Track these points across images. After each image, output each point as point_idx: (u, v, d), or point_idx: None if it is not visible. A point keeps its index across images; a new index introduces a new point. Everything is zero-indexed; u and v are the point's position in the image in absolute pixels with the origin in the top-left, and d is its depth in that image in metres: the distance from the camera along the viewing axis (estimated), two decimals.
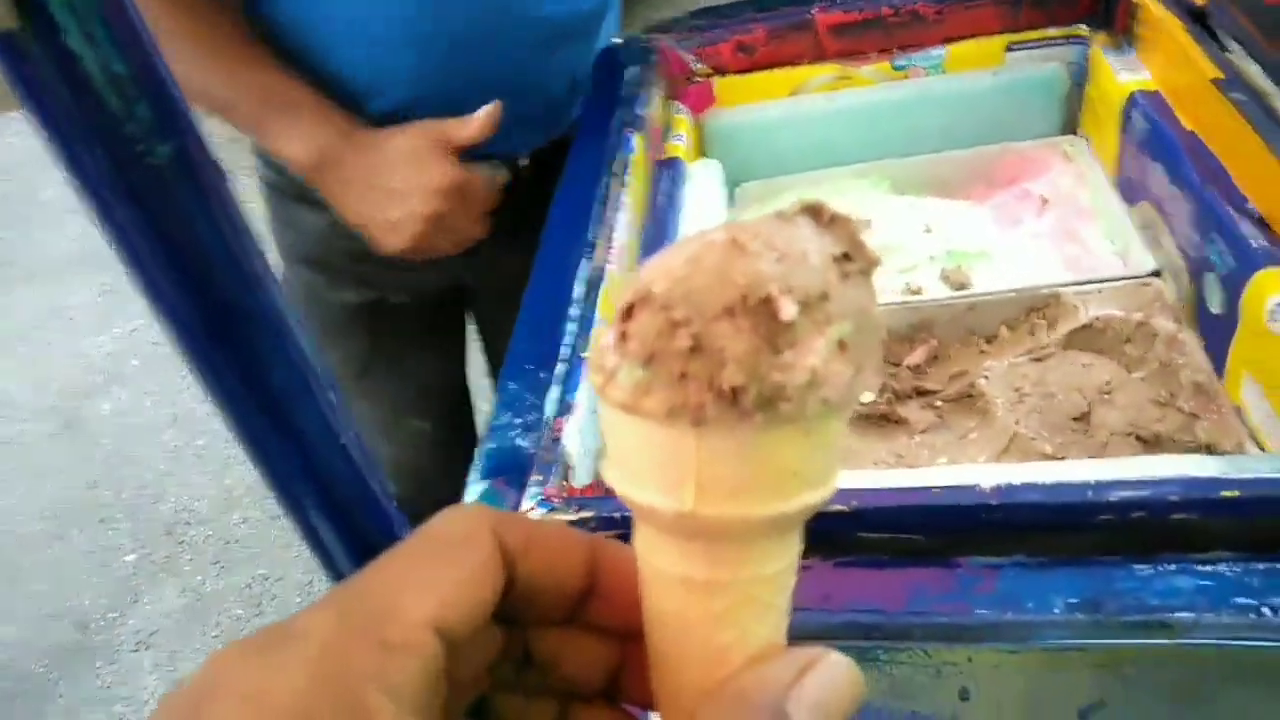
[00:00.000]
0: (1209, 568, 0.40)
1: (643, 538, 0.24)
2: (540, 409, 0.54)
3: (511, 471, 0.50)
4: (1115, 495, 0.42)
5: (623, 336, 0.22)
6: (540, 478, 0.48)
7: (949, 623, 0.40)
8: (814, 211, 0.22)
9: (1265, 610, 0.39)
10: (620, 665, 0.26)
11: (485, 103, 0.83)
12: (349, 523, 0.34)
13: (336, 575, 0.36)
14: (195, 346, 0.28)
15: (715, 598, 0.23)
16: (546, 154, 0.92)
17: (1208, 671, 0.38)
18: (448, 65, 0.82)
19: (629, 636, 0.26)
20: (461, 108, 0.82)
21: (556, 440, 0.50)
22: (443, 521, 0.24)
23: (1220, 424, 0.58)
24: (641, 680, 0.26)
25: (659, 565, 0.24)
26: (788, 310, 0.20)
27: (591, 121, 0.83)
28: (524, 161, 0.91)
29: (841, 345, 0.21)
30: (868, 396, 0.69)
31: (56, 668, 1.68)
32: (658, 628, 0.24)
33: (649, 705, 0.26)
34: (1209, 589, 0.40)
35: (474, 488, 0.50)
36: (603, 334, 0.23)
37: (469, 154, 0.87)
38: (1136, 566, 0.41)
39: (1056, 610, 0.40)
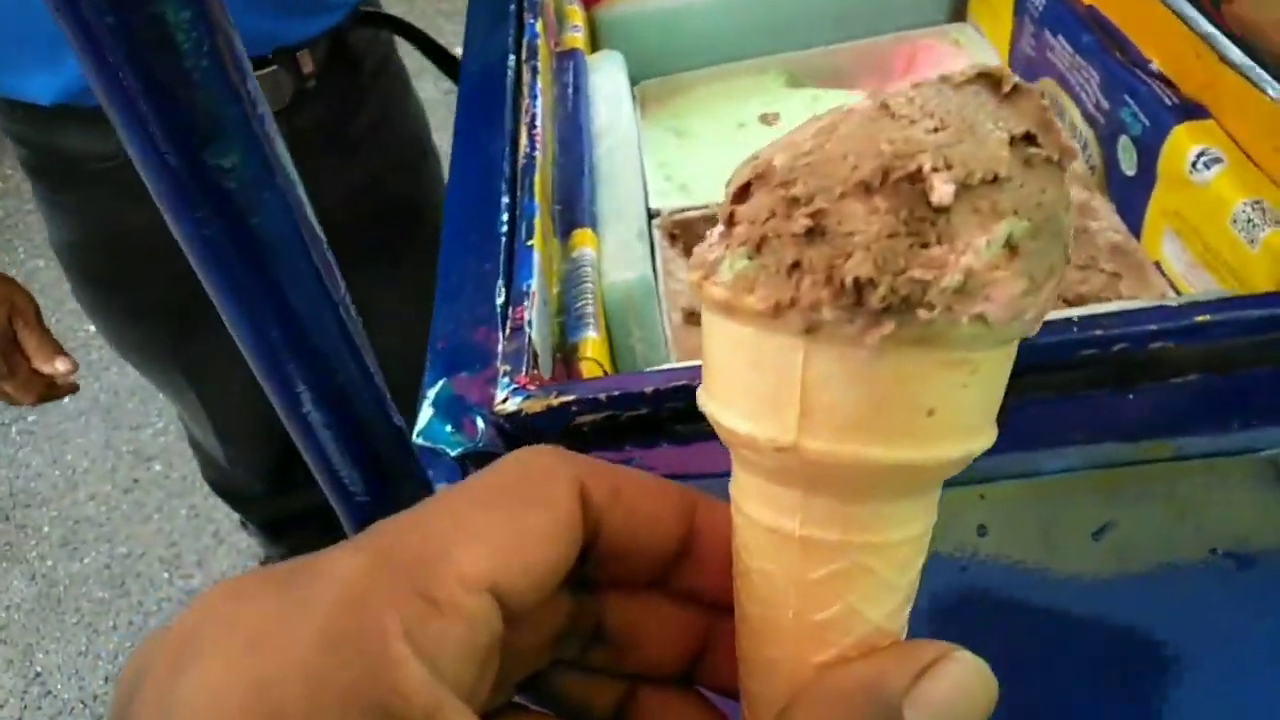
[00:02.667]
0: (1189, 390, 0.42)
1: (736, 479, 0.20)
2: (489, 300, 0.50)
3: (472, 365, 0.46)
4: (1098, 331, 0.42)
5: (730, 221, 0.18)
6: (509, 368, 0.44)
7: None
8: (991, 80, 0.18)
9: (1235, 423, 0.40)
10: (705, 644, 0.23)
11: None
12: (349, 415, 0.30)
13: (341, 489, 0.31)
14: (167, 177, 0.23)
15: (814, 561, 0.19)
16: (329, 58, 0.87)
17: (1197, 483, 0.40)
18: None
19: (719, 610, 0.22)
20: None
21: (519, 329, 0.46)
22: (516, 462, 0.20)
23: (1141, 280, 0.61)
24: (728, 662, 0.22)
25: (750, 512, 0.20)
26: (942, 190, 0.16)
27: (481, 7, 0.77)
28: (308, 68, 0.85)
29: (1011, 248, 0.16)
30: None
31: None
32: (744, 589, 0.20)
33: (733, 692, 0.22)
34: (1193, 408, 0.41)
35: (431, 389, 0.46)
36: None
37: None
38: (1125, 396, 0.42)
39: (1058, 444, 0.40)
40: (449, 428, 0.43)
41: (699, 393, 0.20)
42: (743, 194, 0.18)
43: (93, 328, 2.06)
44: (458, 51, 0.78)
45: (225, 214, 0.24)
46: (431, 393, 0.45)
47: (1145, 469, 0.39)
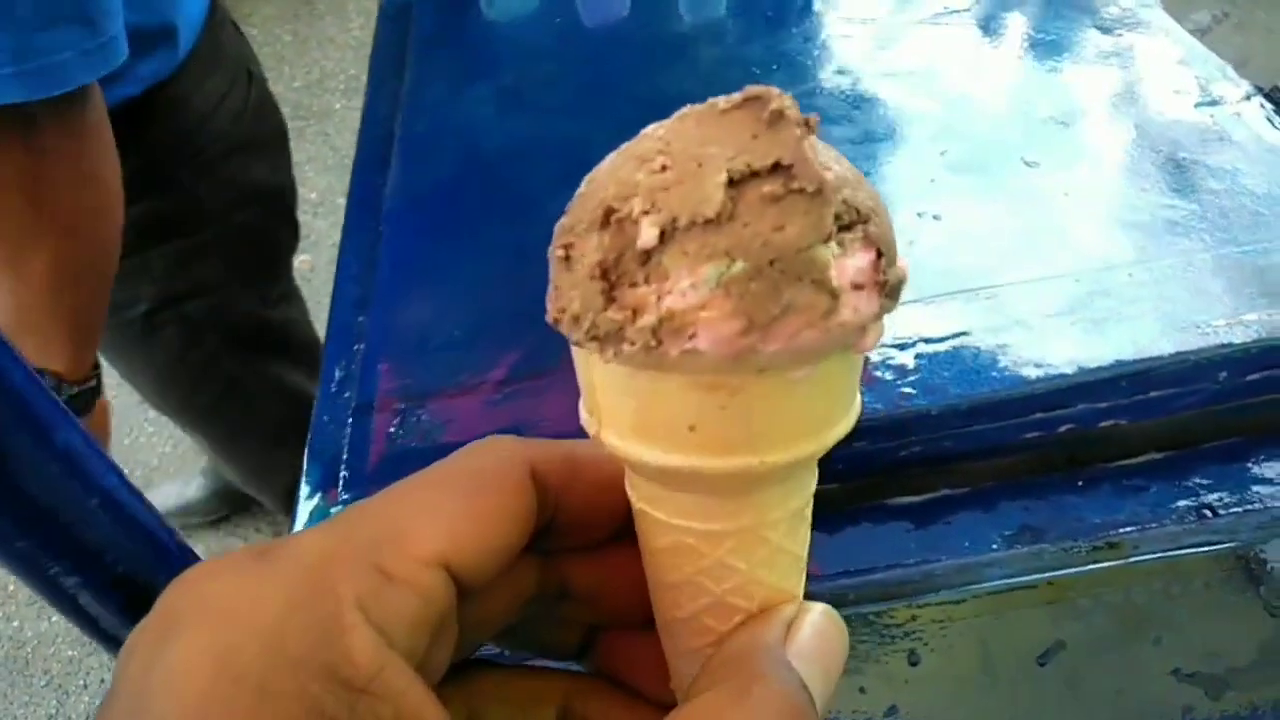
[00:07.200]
0: (1144, 472, 0.37)
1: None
2: (371, 392, 0.45)
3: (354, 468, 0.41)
4: (1039, 414, 0.37)
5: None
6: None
7: (884, 578, 0.35)
8: (758, 103, 0.17)
9: (1206, 512, 0.36)
10: None
11: None
12: (147, 602, 0.25)
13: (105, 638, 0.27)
14: None
15: (654, 533, 0.21)
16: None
17: (1156, 588, 0.35)
18: None
19: None
20: None
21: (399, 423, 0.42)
22: (471, 453, 0.21)
23: None
24: None
25: (629, 494, 0.21)
26: (646, 234, 0.16)
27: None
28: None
29: (725, 289, 0.16)
30: None
31: None
32: (654, 568, 0.22)
33: None
34: (1148, 494, 0.36)
35: (305, 504, 0.41)
36: None
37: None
38: (1074, 482, 0.37)
39: (995, 546, 0.35)
40: None
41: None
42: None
43: None
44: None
45: None
46: (304, 510, 0.40)
47: (1096, 574, 0.34)
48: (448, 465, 0.21)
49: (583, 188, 0.18)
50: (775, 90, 0.17)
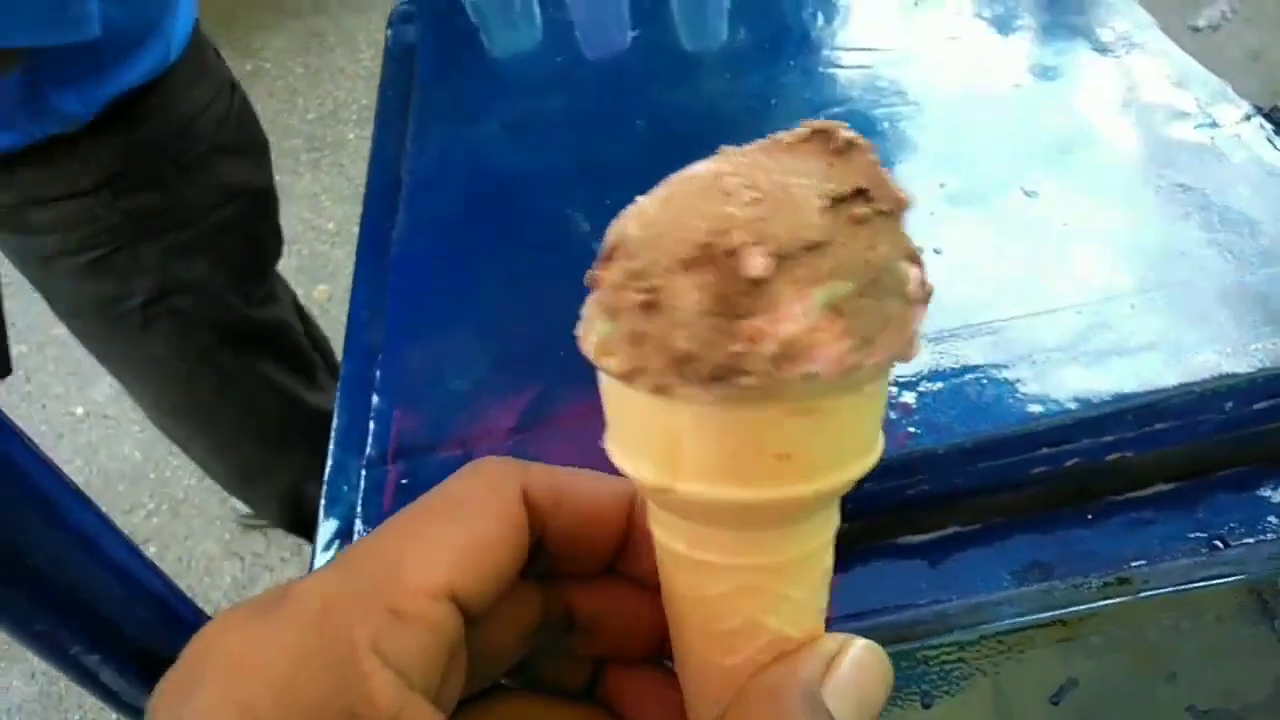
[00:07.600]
0: (1153, 505, 0.37)
1: (649, 509, 0.21)
2: (385, 441, 0.45)
3: (372, 505, 0.42)
4: (1045, 449, 0.37)
5: (597, 283, 0.19)
6: None
7: (896, 619, 0.35)
8: (825, 135, 0.18)
9: (1218, 543, 0.36)
10: (664, 624, 0.24)
11: None
12: (160, 668, 0.26)
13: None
14: None
15: (711, 581, 0.20)
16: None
17: (1168, 624, 0.35)
18: None
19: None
20: None
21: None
22: (463, 478, 0.21)
23: None
24: None
25: (656, 535, 0.21)
26: (755, 265, 0.17)
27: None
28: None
29: (835, 310, 0.17)
30: None
31: None
32: (669, 599, 0.22)
33: None
34: (1157, 528, 0.36)
35: (322, 556, 0.42)
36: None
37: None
38: (1084, 516, 0.37)
39: (1005, 584, 0.36)
40: None
41: (606, 436, 0.21)
42: (607, 258, 0.19)
43: (81, 409, 2.04)
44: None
45: None
46: (323, 561, 0.41)
47: (1107, 611, 0.34)
48: (442, 493, 0.21)
49: (638, 232, 0.18)
50: (837, 123, 0.18)
